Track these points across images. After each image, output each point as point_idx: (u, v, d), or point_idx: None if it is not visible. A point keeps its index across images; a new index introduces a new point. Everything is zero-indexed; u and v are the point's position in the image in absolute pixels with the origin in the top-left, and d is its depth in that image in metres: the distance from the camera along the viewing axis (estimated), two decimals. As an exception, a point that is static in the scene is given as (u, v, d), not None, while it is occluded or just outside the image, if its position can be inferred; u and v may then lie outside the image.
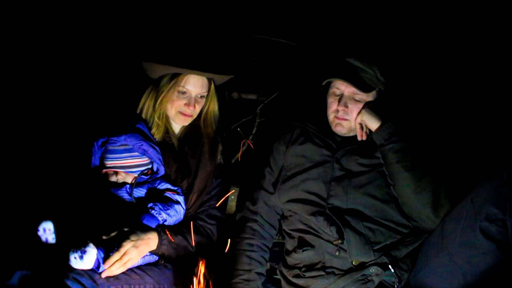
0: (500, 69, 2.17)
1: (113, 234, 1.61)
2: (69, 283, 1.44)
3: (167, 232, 1.69)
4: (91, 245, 1.50)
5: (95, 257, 1.50)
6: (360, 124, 1.78)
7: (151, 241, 1.65)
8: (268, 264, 2.01)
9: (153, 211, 1.69)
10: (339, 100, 1.79)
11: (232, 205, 2.16)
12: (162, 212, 1.71)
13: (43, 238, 1.52)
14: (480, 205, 1.50)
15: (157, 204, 1.72)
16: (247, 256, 1.81)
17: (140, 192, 1.76)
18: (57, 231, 1.53)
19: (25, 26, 2.26)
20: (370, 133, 1.79)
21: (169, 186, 1.81)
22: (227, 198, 1.97)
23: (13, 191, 1.92)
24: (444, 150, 1.87)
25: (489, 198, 1.49)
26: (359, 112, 1.77)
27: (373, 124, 1.73)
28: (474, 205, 1.53)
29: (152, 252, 1.67)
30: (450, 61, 2.28)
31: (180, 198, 1.79)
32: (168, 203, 1.75)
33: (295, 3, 2.48)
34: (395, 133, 1.69)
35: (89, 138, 1.80)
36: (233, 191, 2.07)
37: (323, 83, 1.85)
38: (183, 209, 1.79)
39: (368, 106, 1.76)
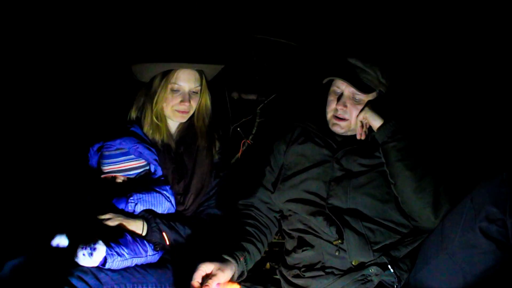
0: (500, 69, 2.17)
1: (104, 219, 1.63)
2: (73, 281, 1.44)
3: (158, 222, 1.71)
4: (101, 242, 1.50)
5: (104, 254, 1.51)
6: (361, 122, 1.78)
7: (137, 223, 1.68)
8: (268, 264, 2.02)
9: (130, 198, 1.70)
10: (338, 99, 1.79)
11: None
12: (138, 200, 1.71)
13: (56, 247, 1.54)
14: (480, 205, 1.50)
15: (134, 194, 1.72)
16: (245, 231, 1.78)
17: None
18: (68, 234, 1.54)
19: (13, 34, 2.27)
20: (369, 133, 1.79)
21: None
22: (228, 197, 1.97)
23: (13, 193, 1.93)
24: (444, 150, 1.87)
25: (489, 198, 1.48)
26: (362, 110, 1.76)
27: (376, 122, 1.72)
28: (473, 205, 1.53)
29: (145, 239, 1.68)
30: (450, 62, 2.28)
31: (163, 190, 1.78)
32: (150, 192, 1.75)
33: (295, 3, 2.48)
34: (398, 131, 1.69)
35: (85, 143, 1.81)
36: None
37: (324, 81, 1.85)
38: (169, 202, 1.78)
39: (371, 105, 1.76)
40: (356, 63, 1.78)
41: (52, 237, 1.53)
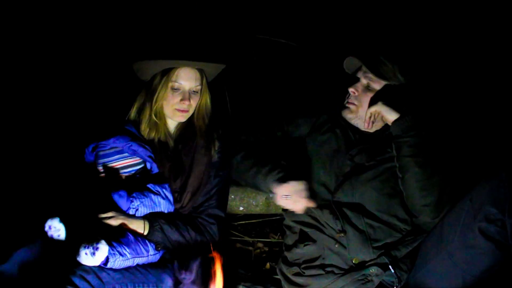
0: (500, 69, 2.18)
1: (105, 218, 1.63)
2: (75, 280, 1.44)
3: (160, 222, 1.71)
4: (103, 242, 1.50)
5: (106, 254, 1.51)
6: (371, 114, 1.79)
7: (138, 222, 1.68)
8: (268, 264, 2.03)
9: (131, 204, 1.70)
10: (353, 84, 1.84)
11: (232, 204, 2.16)
12: (135, 200, 1.71)
13: (49, 235, 1.52)
14: (479, 206, 1.50)
15: (134, 194, 1.72)
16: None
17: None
18: (66, 228, 1.53)
19: (13, 33, 2.27)
20: (385, 130, 1.81)
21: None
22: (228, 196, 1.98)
23: (13, 189, 1.93)
24: (452, 151, 1.89)
25: (488, 198, 1.49)
26: (376, 104, 1.77)
27: (391, 116, 1.73)
28: (473, 206, 1.53)
29: (147, 239, 1.68)
30: (450, 62, 2.28)
31: (161, 190, 1.79)
32: (149, 195, 1.75)
33: (296, 3, 2.48)
34: (413, 127, 1.70)
35: (83, 142, 1.82)
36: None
37: (344, 64, 1.89)
38: (167, 201, 1.79)
39: (385, 100, 1.77)
40: (377, 55, 1.81)
41: (45, 221, 1.52)
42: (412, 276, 1.72)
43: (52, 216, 1.53)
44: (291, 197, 1.71)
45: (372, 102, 1.79)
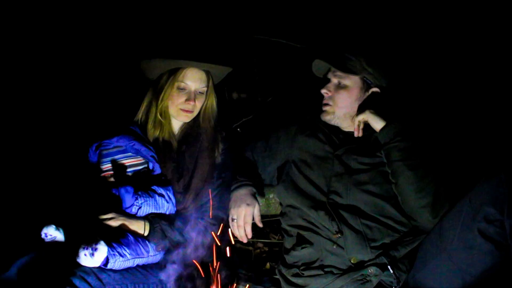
0: (499, 69, 2.17)
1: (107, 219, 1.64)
2: (76, 281, 1.45)
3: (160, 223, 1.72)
4: (102, 242, 1.51)
5: (106, 254, 1.51)
6: (359, 122, 1.83)
7: (139, 223, 1.69)
8: (268, 264, 2.03)
9: (135, 201, 1.71)
10: (325, 85, 1.90)
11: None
12: (139, 198, 1.72)
13: (47, 241, 1.53)
14: (478, 206, 1.51)
15: (139, 192, 1.74)
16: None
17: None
18: (64, 231, 1.54)
19: (14, 33, 2.27)
20: (366, 131, 1.83)
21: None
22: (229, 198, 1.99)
23: (14, 191, 1.94)
24: (444, 151, 1.90)
25: (487, 198, 1.49)
26: (364, 112, 1.81)
27: (378, 124, 1.78)
28: (472, 206, 1.53)
29: (147, 240, 1.69)
30: (450, 62, 2.28)
31: (165, 192, 1.80)
32: (153, 195, 1.76)
33: (296, 3, 2.48)
34: (401, 133, 1.73)
35: (85, 142, 1.83)
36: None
37: (313, 69, 1.95)
38: (170, 203, 1.80)
39: (372, 108, 1.81)
40: (341, 52, 1.87)
41: (41, 227, 1.53)
42: (411, 276, 1.72)
43: (47, 224, 1.54)
44: (236, 221, 1.82)
45: (360, 110, 1.84)
